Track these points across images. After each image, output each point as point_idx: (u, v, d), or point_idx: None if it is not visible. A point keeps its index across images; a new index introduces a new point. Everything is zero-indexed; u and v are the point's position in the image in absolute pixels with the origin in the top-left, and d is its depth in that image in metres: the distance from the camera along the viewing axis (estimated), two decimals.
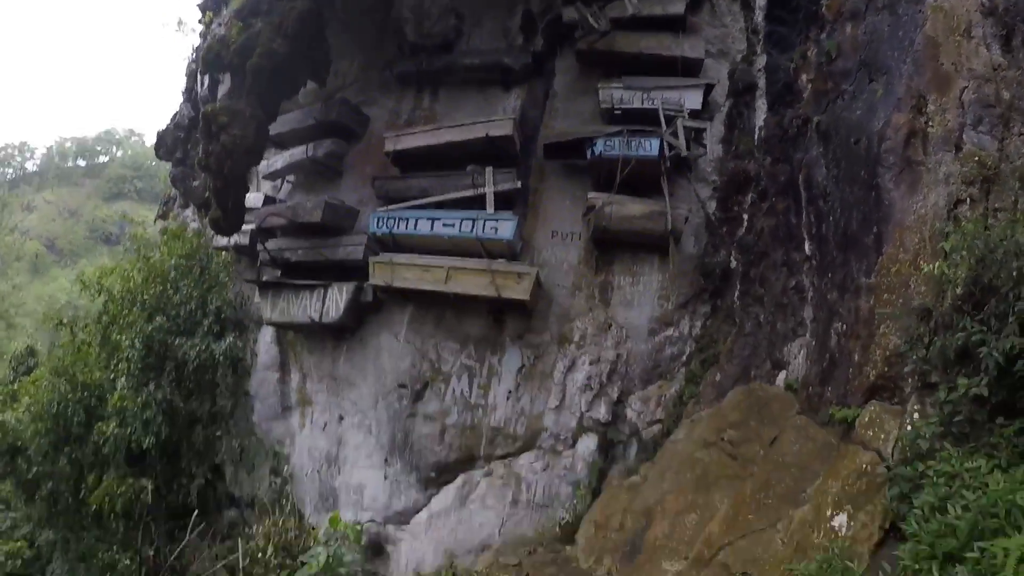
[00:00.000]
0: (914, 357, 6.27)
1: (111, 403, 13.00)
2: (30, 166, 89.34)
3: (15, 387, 17.20)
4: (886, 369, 6.79)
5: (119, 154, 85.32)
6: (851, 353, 7.31)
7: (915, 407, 6.28)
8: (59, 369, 13.99)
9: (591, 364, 10.06)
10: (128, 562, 12.55)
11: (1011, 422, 5.24)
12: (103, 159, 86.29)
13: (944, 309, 6.00)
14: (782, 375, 8.37)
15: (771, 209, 9.13)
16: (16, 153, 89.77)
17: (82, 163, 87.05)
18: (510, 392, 10.62)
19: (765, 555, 6.45)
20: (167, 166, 19.13)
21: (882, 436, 6.46)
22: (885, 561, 5.17)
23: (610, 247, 10.05)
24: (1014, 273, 5.46)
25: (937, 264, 6.12)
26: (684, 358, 9.58)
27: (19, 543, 13.93)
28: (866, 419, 6.74)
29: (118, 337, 13.57)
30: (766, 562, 6.27)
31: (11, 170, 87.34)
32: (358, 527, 10.61)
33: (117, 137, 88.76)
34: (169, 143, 17.89)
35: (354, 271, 11.58)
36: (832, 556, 5.38)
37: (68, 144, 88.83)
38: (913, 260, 6.65)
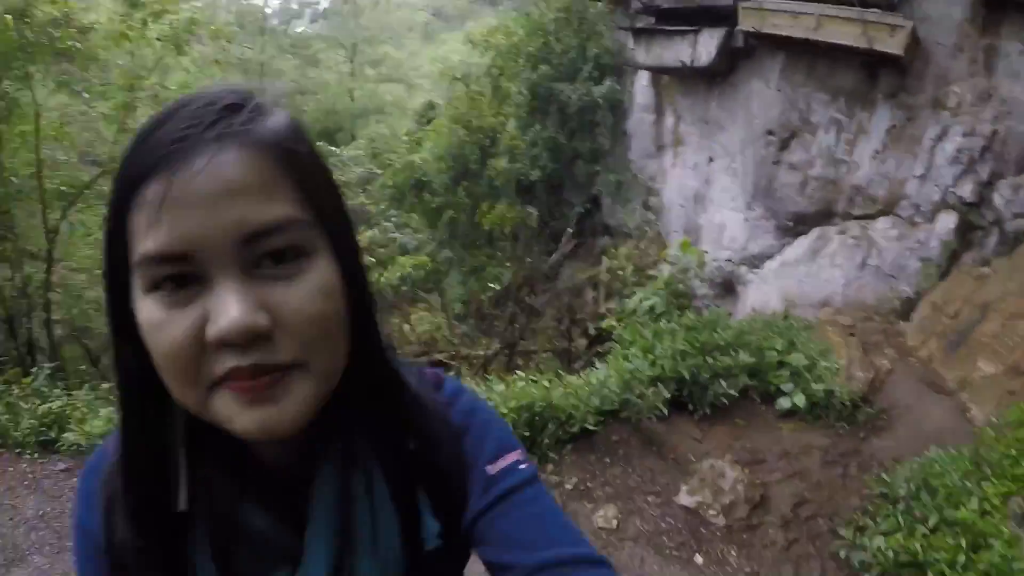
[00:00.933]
0: None
1: (502, 143, 14.85)
2: None
3: (419, 135, 20.04)
4: None
5: None
6: None
7: None
8: (456, 117, 16.04)
9: (964, 136, 9.02)
10: (511, 275, 14.88)
11: None
12: None
13: None
14: None
15: None
16: None
17: None
18: (876, 152, 10.05)
19: None
20: None
21: None
22: None
23: (1001, 5, 8.45)
24: None
25: None
26: None
27: (424, 258, 16.83)
28: None
29: (507, 85, 15.22)
30: None
31: None
32: (704, 252, 11.47)
33: None
34: None
35: (724, 18, 11.26)
36: None
37: None
38: None
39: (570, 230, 14.35)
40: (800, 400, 7.30)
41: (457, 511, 1.07)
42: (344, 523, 0.98)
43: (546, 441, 6.56)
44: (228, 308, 0.77)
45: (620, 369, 7.18)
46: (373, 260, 15.99)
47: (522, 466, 1.09)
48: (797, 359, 7.68)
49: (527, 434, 6.48)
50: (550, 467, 6.53)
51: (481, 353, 12.57)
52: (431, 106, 23.71)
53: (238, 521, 0.96)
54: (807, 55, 10.53)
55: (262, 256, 0.81)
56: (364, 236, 18.09)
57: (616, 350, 8.15)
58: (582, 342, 12.76)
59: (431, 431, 1.06)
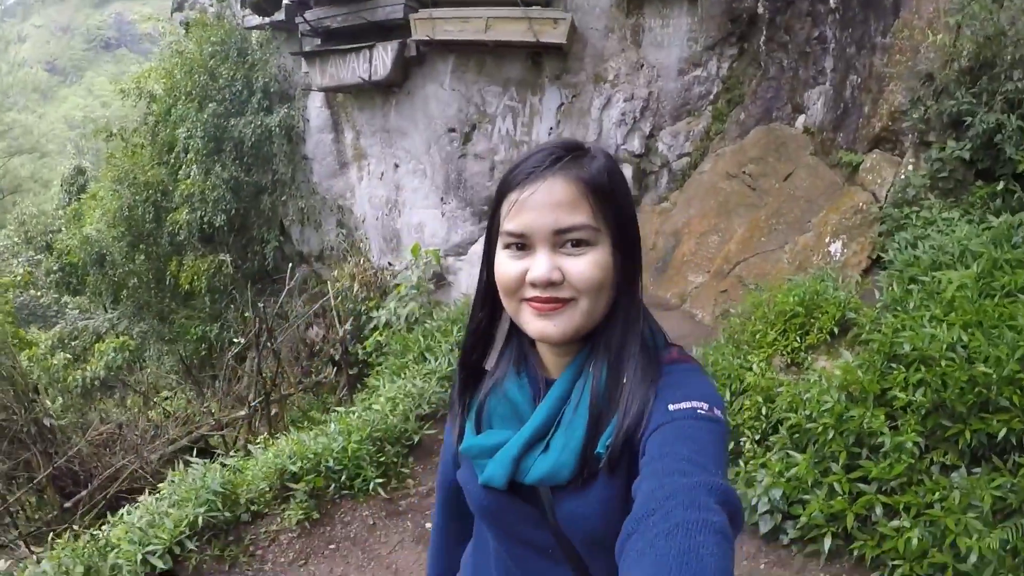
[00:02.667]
0: (914, 116, 7.27)
1: (179, 192, 14.68)
2: None
3: (75, 207, 18.70)
4: (890, 123, 8.11)
5: None
6: (862, 105, 8.62)
7: (910, 160, 7.59)
8: (118, 176, 15.43)
9: (625, 101, 11.34)
10: (218, 331, 14.75)
11: (986, 184, 6.45)
12: None
13: (946, 77, 6.90)
14: (801, 118, 9.69)
15: None
16: None
17: None
18: (551, 129, 12.02)
19: (772, 271, 8.32)
20: None
21: (879, 181, 7.95)
22: (871, 284, 6.82)
23: None
24: (1008, 58, 6.35)
25: (941, 36, 6.94)
26: (711, 97, 10.75)
27: (122, 338, 15.98)
28: (868, 165, 8.23)
29: (174, 132, 14.95)
30: (773, 277, 8.08)
31: None
32: (438, 251, 12.65)
33: None
34: None
35: (395, 30, 12.62)
36: (825, 274, 7.00)
37: None
38: (926, 27, 7.44)
39: (271, 264, 14.49)
40: None
41: (632, 434, 1.33)
42: (557, 410, 1.44)
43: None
44: (539, 266, 1.34)
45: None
46: (70, 357, 14.67)
47: (701, 410, 1.30)
48: None
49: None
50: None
51: (241, 413, 12.32)
52: (80, 171, 22.01)
53: (504, 388, 1.54)
54: (476, 54, 12.32)
55: (565, 241, 1.35)
56: (51, 334, 16.51)
57: (389, 362, 9.16)
58: (331, 371, 13.00)
59: (644, 374, 1.40)
